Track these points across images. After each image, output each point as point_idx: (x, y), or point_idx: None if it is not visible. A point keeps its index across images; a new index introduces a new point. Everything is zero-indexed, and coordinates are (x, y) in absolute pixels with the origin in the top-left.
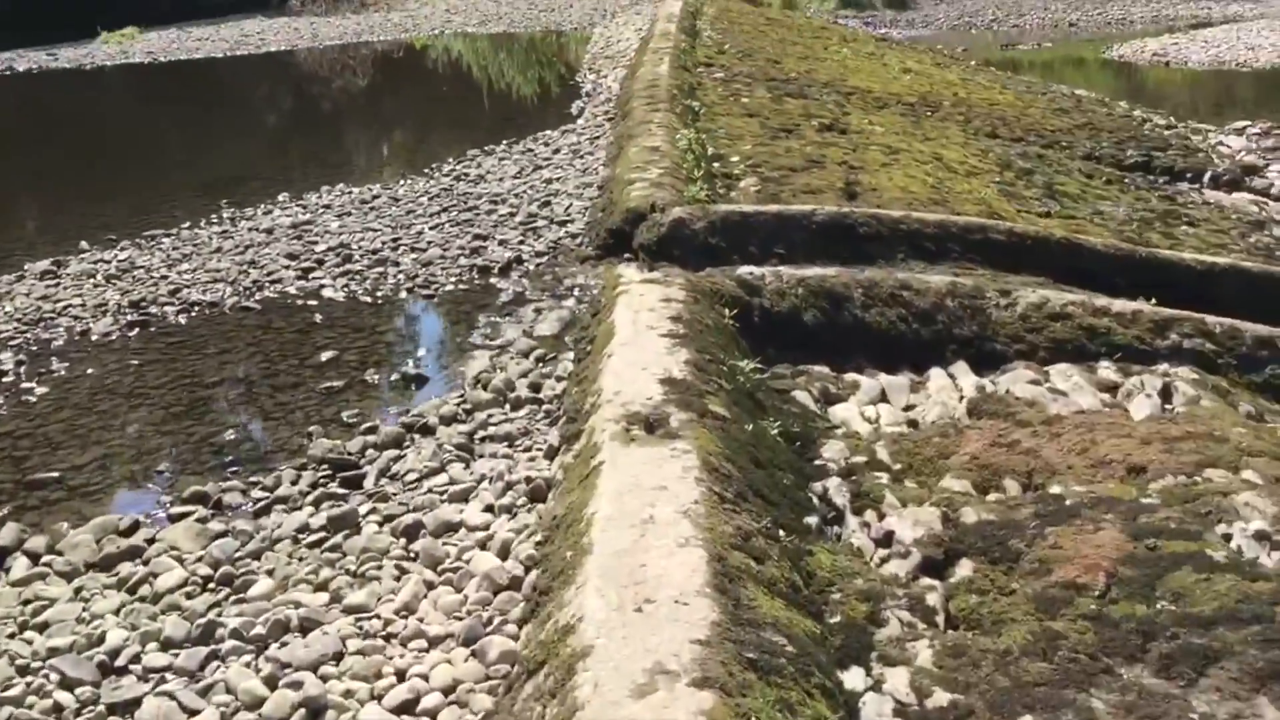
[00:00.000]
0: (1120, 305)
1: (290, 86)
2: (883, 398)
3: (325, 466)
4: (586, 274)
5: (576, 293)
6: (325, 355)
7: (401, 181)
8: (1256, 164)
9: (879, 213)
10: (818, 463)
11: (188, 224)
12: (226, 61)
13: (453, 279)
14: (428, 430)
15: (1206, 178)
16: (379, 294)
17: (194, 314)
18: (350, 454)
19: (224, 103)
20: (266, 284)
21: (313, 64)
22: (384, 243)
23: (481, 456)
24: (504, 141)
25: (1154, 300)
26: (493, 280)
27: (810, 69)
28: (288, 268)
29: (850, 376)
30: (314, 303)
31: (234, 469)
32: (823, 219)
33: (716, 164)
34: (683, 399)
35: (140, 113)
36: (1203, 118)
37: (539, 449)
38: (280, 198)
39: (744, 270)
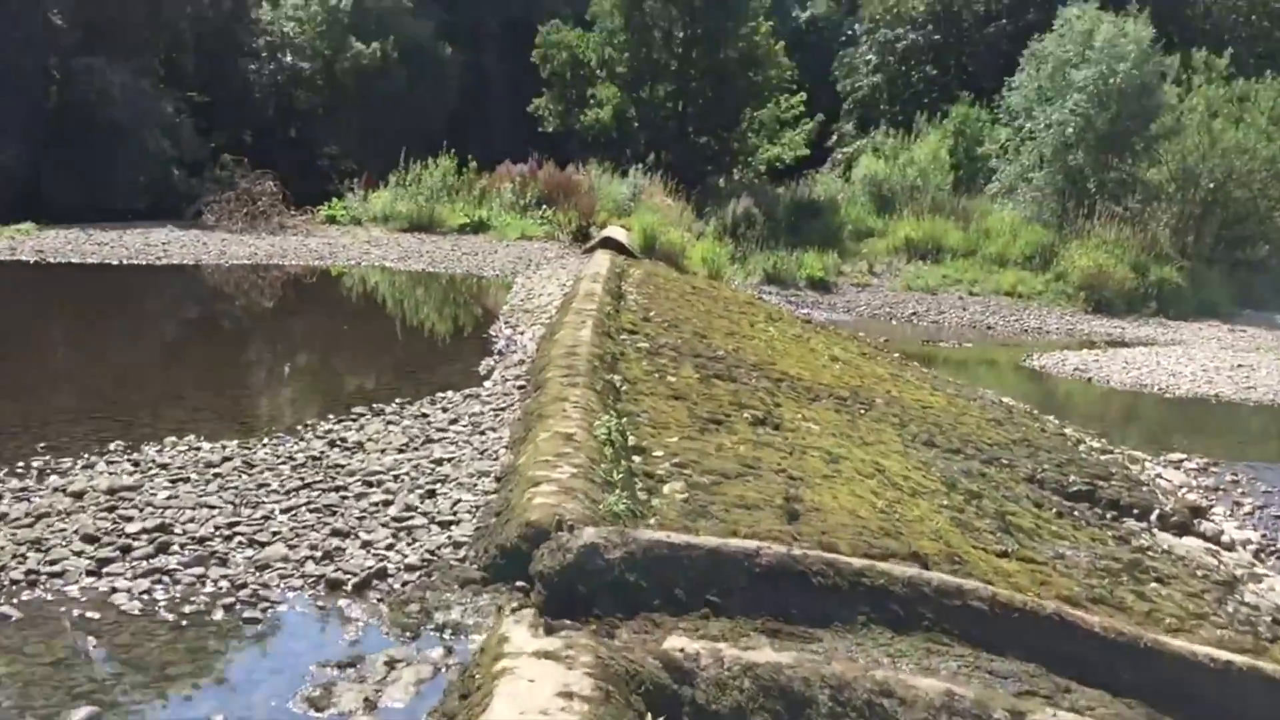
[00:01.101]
0: None
1: (180, 306)
2: None
3: None
4: (466, 606)
5: (448, 637)
6: (77, 716)
7: (264, 440)
8: (1201, 505)
9: (837, 560)
10: None
11: None
12: (120, 270)
13: (291, 593)
14: None
15: (1154, 516)
16: (186, 610)
17: None
18: None
19: (99, 316)
20: (43, 578)
21: (215, 282)
22: (217, 527)
23: None
24: (397, 400)
25: None
26: (343, 602)
27: (738, 347)
28: (80, 554)
29: None
30: (95, 615)
31: None
32: (769, 563)
33: (638, 458)
34: None
35: None
36: (1134, 444)
37: None
38: (112, 446)
39: (672, 645)
